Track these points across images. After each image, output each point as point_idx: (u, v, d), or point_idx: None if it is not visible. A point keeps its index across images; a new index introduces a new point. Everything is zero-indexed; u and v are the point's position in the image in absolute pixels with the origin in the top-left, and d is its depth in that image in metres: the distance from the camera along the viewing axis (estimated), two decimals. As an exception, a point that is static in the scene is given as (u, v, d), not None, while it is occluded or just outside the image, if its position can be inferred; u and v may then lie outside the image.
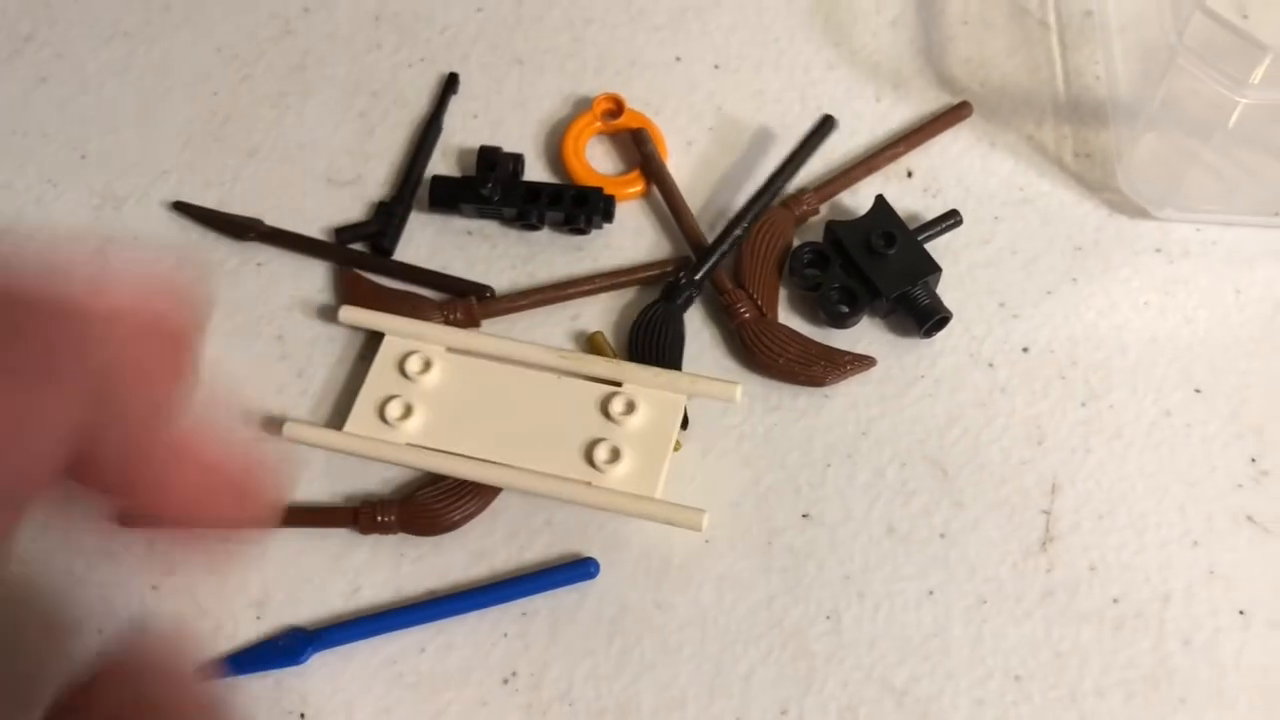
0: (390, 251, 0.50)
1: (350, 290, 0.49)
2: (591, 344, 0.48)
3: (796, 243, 0.49)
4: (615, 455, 0.43)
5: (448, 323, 0.48)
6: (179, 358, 0.26)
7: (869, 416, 0.46)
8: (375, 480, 0.46)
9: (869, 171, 0.51)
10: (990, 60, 0.54)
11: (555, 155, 0.53)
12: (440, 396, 0.46)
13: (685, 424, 0.46)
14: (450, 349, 0.47)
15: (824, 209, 0.51)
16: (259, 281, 0.50)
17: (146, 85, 0.55)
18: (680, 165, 0.52)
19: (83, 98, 0.55)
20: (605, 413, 0.45)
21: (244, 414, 0.47)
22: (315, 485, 0.46)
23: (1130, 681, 0.41)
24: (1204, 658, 0.41)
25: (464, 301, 0.48)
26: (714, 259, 0.48)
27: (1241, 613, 0.42)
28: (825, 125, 0.51)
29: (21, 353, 0.23)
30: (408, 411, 0.45)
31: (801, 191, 0.50)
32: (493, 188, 0.50)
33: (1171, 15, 0.43)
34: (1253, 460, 0.45)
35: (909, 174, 0.52)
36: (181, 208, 0.52)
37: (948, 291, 0.48)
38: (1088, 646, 0.42)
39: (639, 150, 0.52)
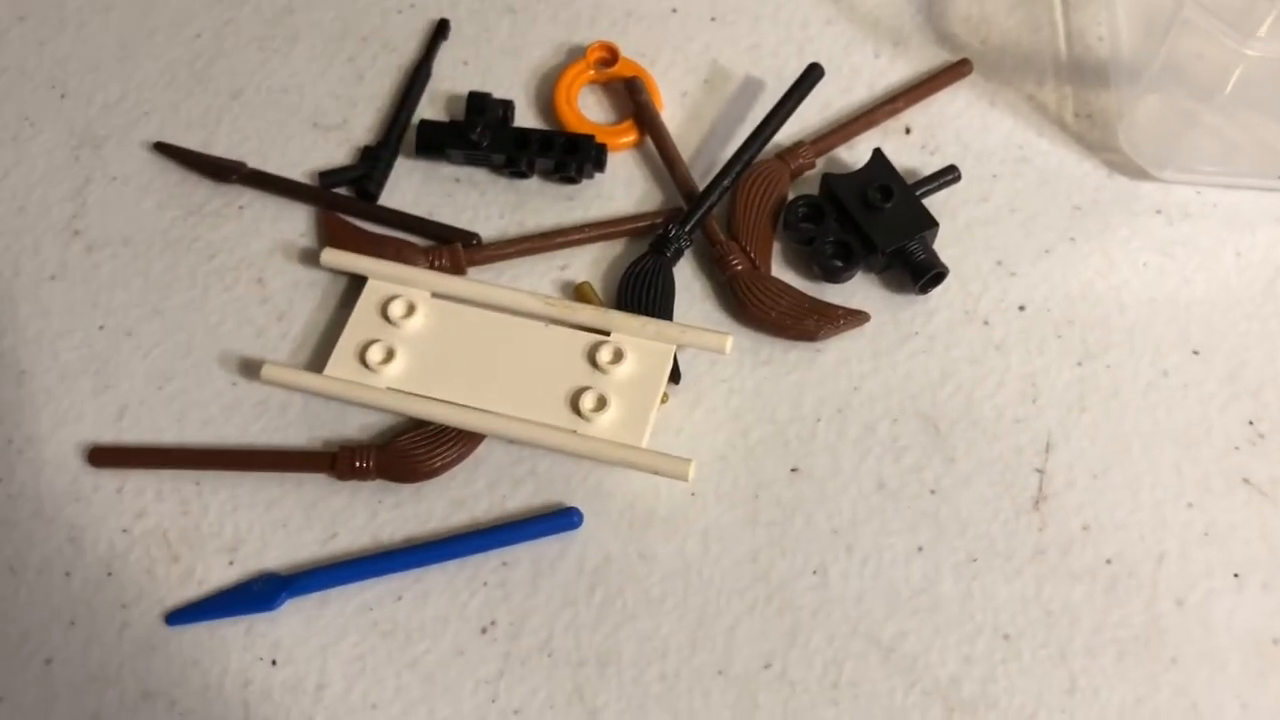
0: (375, 196, 0.49)
1: (333, 234, 0.48)
2: (579, 294, 0.47)
3: (791, 196, 0.48)
4: (601, 404, 0.42)
5: (433, 269, 0.47)
6: None
7: (861, 372, 0.45)
8: (354, 426, 0.45)
9: (867, 126, 0.50)
10: (991, 18, 0.53)
11: (547, 103, 0.51)
12: (423, 342, 0.44)
13: (677, 377, 0.45)
14: (435, 294, 0.46)
15: (820, 163, 0.50)
16: (241, 224, 0.49)
17: (128, 25, 0.54)
18: (674, 116, 0.51)
19: (62, 36, 0.54)
20: (592, 361, 0.44)
21: (222, 355, 0.46)
22: (292, 429, 0.45)
23: (1121, 641, 0.40)
24: (1196, 618, 0.41)
25: (450, 248, 0.47)
26: (702, 211, 0.47)
27: (1236, 575, 0.41)
28: (811, 74, 0.49)
29: None
30: (389, 355, 0.44)
31: (798, 144, 0.49)
32: (481, 133, 0.48)
33: (1177, -33, 0.43)
34: (1250, 423, 0.44)
35: (907, 130, 0.51)
36: (163, 149, 0.51)
37: (945, 248, 0.47)
38: (1079, 605, 0.41)
39: (633, 99, 0.50)
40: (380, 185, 0.49)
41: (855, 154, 0.50)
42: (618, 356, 0.43)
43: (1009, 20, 0.53)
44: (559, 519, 0.42)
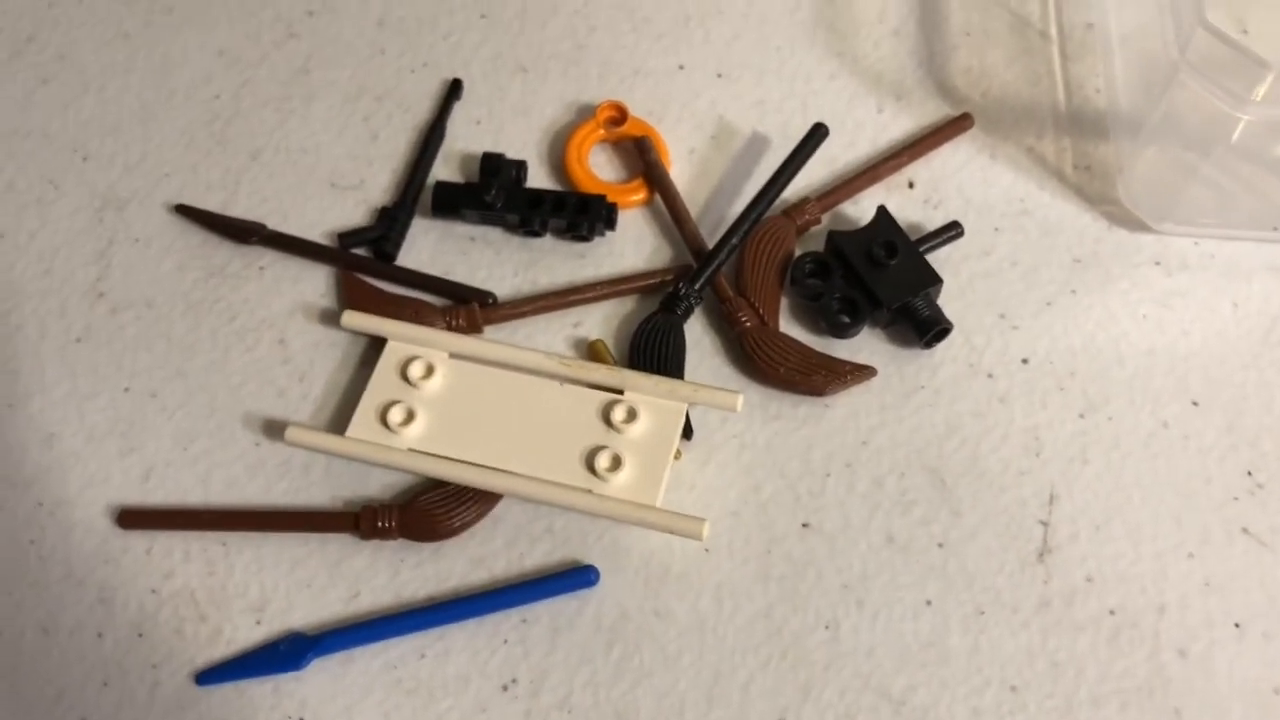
0: (393, 257, 0.50)
1: (352, 295, 0.49)
2: (592, 351, 0.48)
3: (798, 252, 0.50)
4: (616, 463, 0.44)
5: (450, 328, 0.48)
6: None
7: (869, 426, 0.46)
8: (376, 485, 0.46)
9: (871, 182, 0.51)
10: (991, 71, 0.55)
11: (558, 162, 0.53)
12: (442, 402, 0.46)
13: (689, 433, 0.46)
14: (453, 354, 0.47)
15: (825, 219, 0.51)
16: (261, 285, 0.50)
17: (148, 87, 0.55)
18: (682, 173, 0.52)
19: (84, 99, 0.55)
20: (607, 420, 0.45)
21: (245, 416, 0.47)
22: (315, 489, 0.46)
23: (1125, 691, 0.41)
24: (1199, 668, 0.42)
25: (466, 307, 0.48)
26: (710, 269, 0.48)
27: (1237, 625, 0.43)
28: (816, 134, 0.51)
29: None
30: (410, 417, 0.45)
31: (803, 201, 0.50)
32: (496, 194, 0.50)
33: (1174, 31, 0.44)
34: (1249, 473, 0.45)
35: (910, 185, 0.52)
36: (184, 210, 0.52)
37: (948, 302, 0.48)
38: (1084, 656, 0.42)
39: (642, 158, 0.52)
40: (398, 245, 0.50)
41: (860, 209, 0.51)
42: (631, 415, 0.45)
43: (1008, 73, 0.55)
44: (576, 577, 0.43)
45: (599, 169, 0.53)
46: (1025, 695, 0.42)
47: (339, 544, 0.45)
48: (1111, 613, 0.43)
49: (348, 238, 0.51)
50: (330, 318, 0.49)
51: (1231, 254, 0.50)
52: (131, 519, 0.45)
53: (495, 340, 0.48)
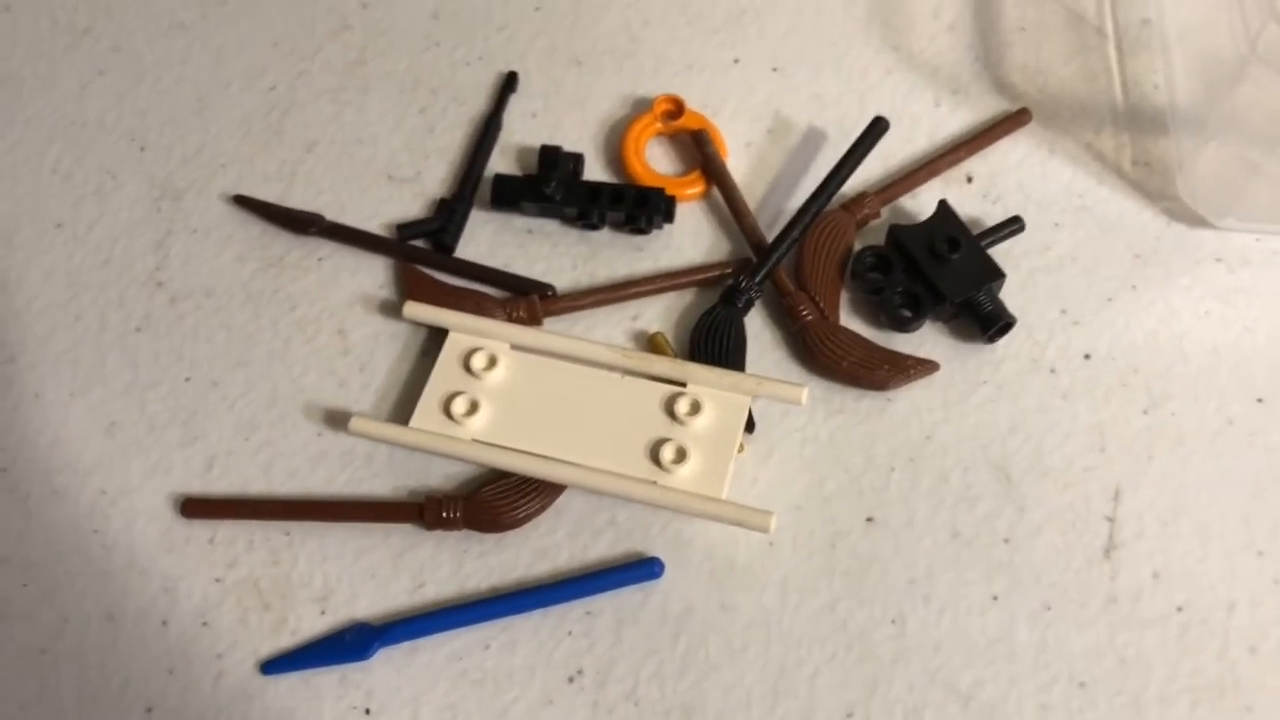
0: (452, 248, 0.50)
1: (412, 286, 0.49)
2: (652, 344, 0.48)
3: (858, 246, 0.49)
4: (681, 455, 0.43)
5: (511, 320, 0.48)
6: None
7: (932, 421, 0.46)
8: (438, 476, 0.46)
9: (929, 176, 0.51)
10: (1048, 67, 0.54)
11: (614, 155, 0.53)
12: (505, 393, 0.46)
13: (751, 427, 0.46)
14: (514, 346, 0.47)
15: (884, 212, 0.51)
16: (320, 276, 0.50)
17: (204, 77, 0.56)
18: (739, 166, 0.52)
19: (140, 90, 0.55)
20: (670, 413, 0.45)
21: (307, 406, 0.47)
22: (378, 479, 0.46)
23: (1195, 689, 0.41)
24: (1270, 666, 0.42)
25: (526, 300, 0.48)
26: (771, 262, 0.48)
27: (1306, 623, 0.42)
28: (877, 127, 0.51)
29: None
30: (473, 407, 0.45)
31: (862, 195, 0.50)
32: (555, 187, 0.50)
33: (1242, 25, 0.43)
34: (1315, 471, 0.45)
35: (969, 179, 0.52)
36: (242, 201, 0.52)
37: (1009, 296, 0.48)
38: (1152, 653, 0.42)
39: (700, 151, 0.52)
40: (456, 238, 0.50)
41: (918, 203, 0.51)
42: (695, 408, 0.44)
43: (1066, 69, 0.54)
44: (641, 569, 0.43)
45: (655, 162, 0.53)
46: (1094, 692, 0.41)
47: (403, 535, 0.45)
48: (1179, 609, 0.43)
49: (406, 229, 0.51)
50: (390, 309, 0.49)
51: (1294, 251, 0.50)
52: (194, 508, 0.45)
53: (557, 332, 0.48)
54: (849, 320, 0.49)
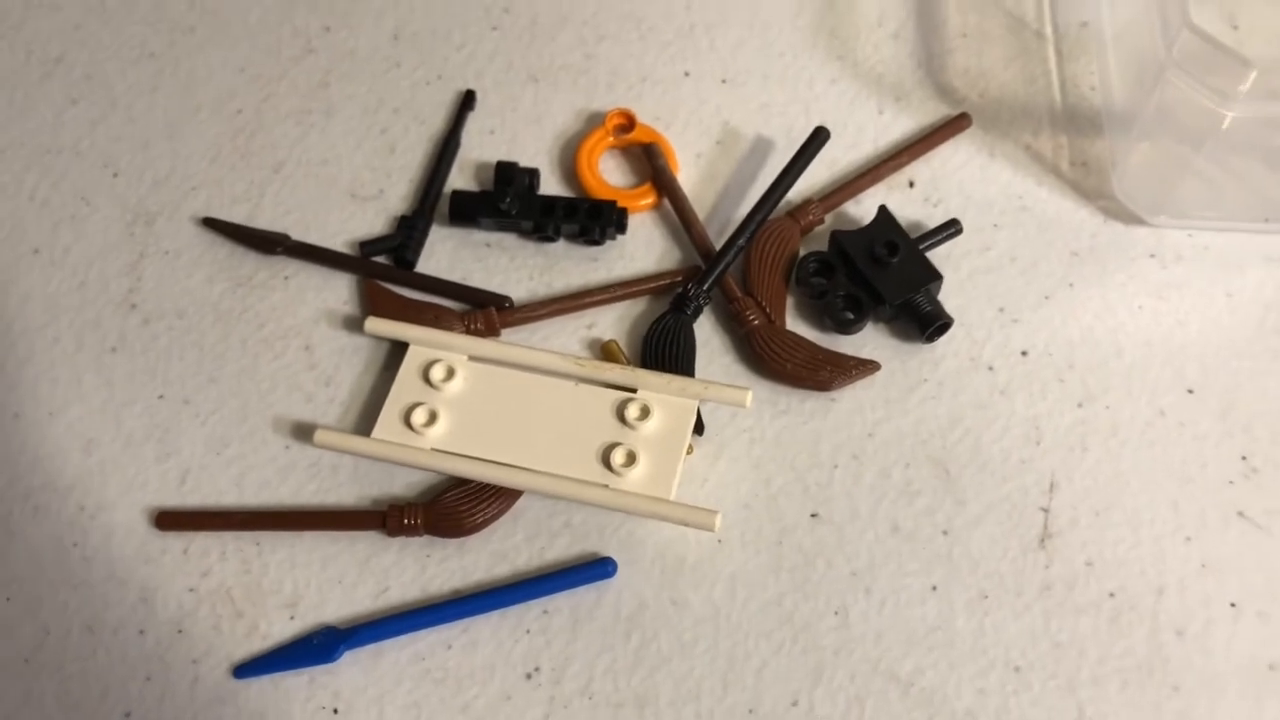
0: (413, 264, 0.52)
1: (374, 301, 0.51)
2: (606, 351, 0.50)
3: (802, 252, 0.51)
4: (631, 459, 0.45)
5: (469, 332, 0.50)
6: None
7: (874, 419, 0.48)
8: (401, 484, 0.48)
9: (872, 182, 0.53)
10: (989, 71, 0.56)
11: (569, 169, 0.54)
12: (463, 403, 0.48)
13: (701, 429, 0.48)
14: (472, 357, 0.49)
15: (829, 218, 0.52)
16: (287, 294, 0.52)
17: (174, 103, 0.57)
18: (689, 177, 0.54)
19: (112, 117, 0.57)
20: (621, 418, 0.47)
21: (275, 420, 0.49)
22: (344, 489, 0.48)
23: (1125, 670, 0.43)
24: (1196, 647, 0.43)
25: (484, 311, 0.50)
26: (718, 270, 0.50)
27: (1233, 604, 0.44)
28: (818, 137, 0.52)
29: None
30: (432, 418, 0.47)
31: (807, 202, 0.52)
32: (511, 202, 0.52)
33: (1161, 31, 0.45)
34: (1243, 458, 0.47)
35: (911, 184, 0.53)
36: (211, 223, 0.54)
37: (949, 297, 0.50)
38: (1085, 637, 0.44)
39: (650, 164, 0.54)
40: (417, 253, 0.52)
41: (862, 209, 0.53)
42: (645, 413, 0.46)
43: (1006, 73, 0.56)
44: (595, 569, 0.45)
45: (609, 175, 0.55)
46: (1029, 675, 0.43)
47: (367, 541, 0.47)
48: (1111, 595, 0.44)
49: (369, 246, 0.52)
50: (353, 324, 0.51)
51: (1224, 245, 0.51)
52: (169, 521, 0.47)
53: (513, 343, 0.50)
54: (795, 324, 0.50)
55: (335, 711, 0.44)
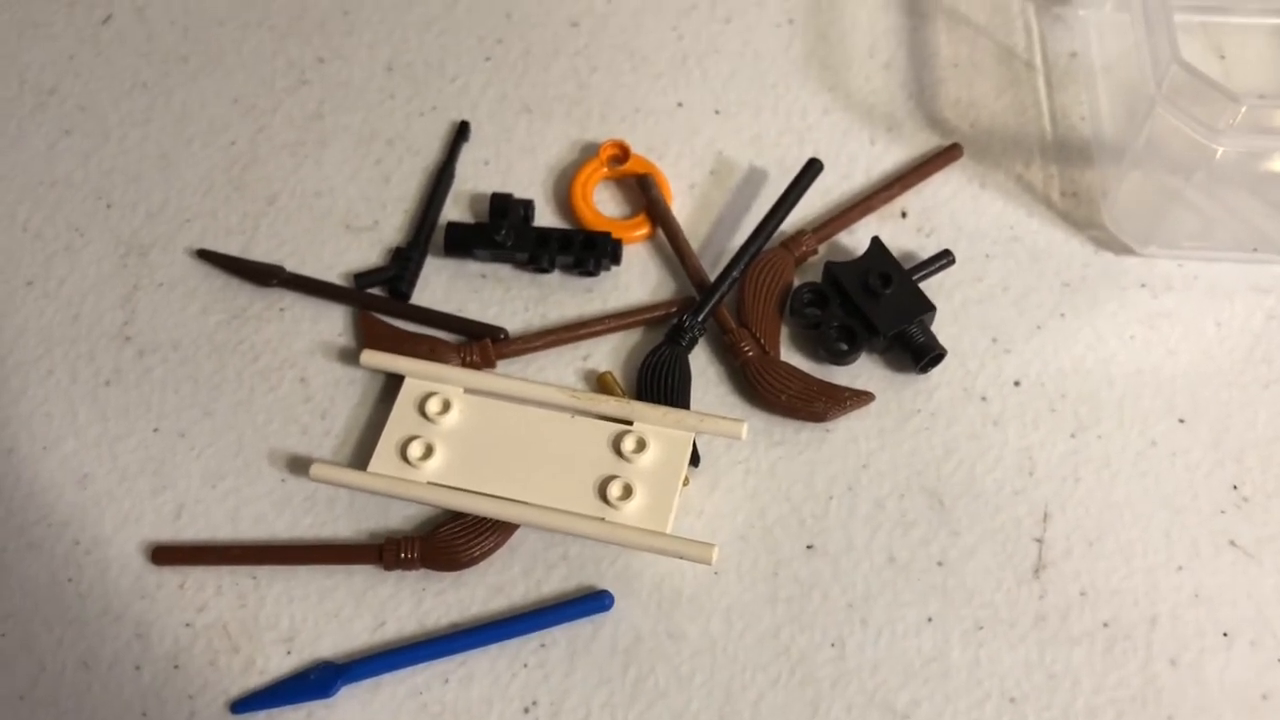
0: (408, 295, 0.52)
1: (369, 334, 0.51)
2: (601, 383, 0.50)
3: (796, 283, 0.52)
4: (627, 492, 0.45)
5: (465, 364, 0.50)
6: None
7: (868, 450, 0.48)
8: (397, 518, 0.48)
9: (865, 213, 0.53)
10: (979, 101, 0.57)
11: (564, 200, 0.55)
12: (459, 436, 0.48)
13: (696, 461, 0.48)
14: (468, 390, 0.49)
15: (822, 249, 0.53)
16: (282, 326, 0.52)
17: (167, 135, 0.58)
18: (683, 208, 0.54)
19: (106, 148, 0.57)
20: (617, 450, 0.47)
21: (271, 453, 0.49)
22: (340, 522, 0.48)
23: (1120, 701, 0.43)
24: (1190, 677, 0.44)
25: (480, 343, 0.50)
26: (713, 301, 0.50)
27: (1225, 634, 0.44)
28: (811, 169, 0.53)
29: None
30: (428, 451, 0.47)
31: (800, 233, 0.52)
32: (506, 233, 0.52)
33: (1151, 66, 0.46)
34: (1234, 487, 0.47)
35: (903, 214, 0.54)
36: (205, 255, 0.54)
37: (942, 328, 0.50)
38: (1079, 668, 0.44)
39: (644, 195, 0.54)
40: (412, 285, 0.52)
41: (855, 239, 0.53)
42: (641, 445, 0.46)
43: (997, 103, 0.57)
44: (591, 602, 0.45)
45: (603, 206, 0.55)
46: (1024, 706, 0.43)
47: (364, 575, 0.47)
48: (1105, 625, 0.45)
49: (364, 278, 0.53)
50: (349, 356, 0.51)
51: (1214, 275, 0.52)
52: (165, 555, 0.47)
53: (508, 375, 0.50)
54: (789, 354, 0.51)
55: (332, 747, 0.44)
